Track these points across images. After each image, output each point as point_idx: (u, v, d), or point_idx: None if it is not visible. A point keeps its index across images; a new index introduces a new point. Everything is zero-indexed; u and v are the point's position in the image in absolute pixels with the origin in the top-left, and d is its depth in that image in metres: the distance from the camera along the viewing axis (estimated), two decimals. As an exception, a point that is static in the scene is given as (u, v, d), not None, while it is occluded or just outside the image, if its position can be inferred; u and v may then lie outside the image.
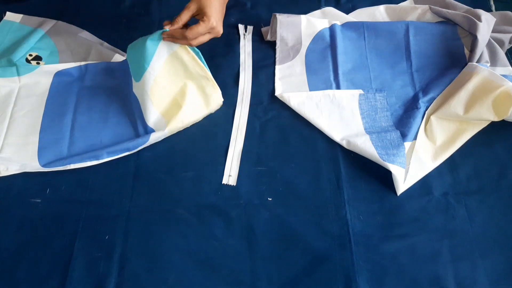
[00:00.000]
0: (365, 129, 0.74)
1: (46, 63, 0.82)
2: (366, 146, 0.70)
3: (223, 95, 0.79)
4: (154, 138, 0.72)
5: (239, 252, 0.63)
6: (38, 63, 0.81)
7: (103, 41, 0.87)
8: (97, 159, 0.70)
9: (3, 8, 0.92)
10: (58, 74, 0.81)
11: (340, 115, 0.76)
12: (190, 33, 0.67)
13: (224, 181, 0.70)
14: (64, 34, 0.86)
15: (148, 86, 0.72)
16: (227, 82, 0.81)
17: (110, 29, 0.89)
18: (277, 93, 0.79)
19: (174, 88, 0.74)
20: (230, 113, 0.77)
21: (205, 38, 0.71)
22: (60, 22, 0.89)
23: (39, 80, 0.80)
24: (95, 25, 0.89)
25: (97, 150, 0.71)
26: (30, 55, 0.82)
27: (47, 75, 0.81)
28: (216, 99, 0.76)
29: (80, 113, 0.76)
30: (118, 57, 0.84)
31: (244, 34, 0.89)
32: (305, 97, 0.78)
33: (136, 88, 0.76)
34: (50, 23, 0.88)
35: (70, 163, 0.69)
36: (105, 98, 0.78)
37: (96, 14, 0.93)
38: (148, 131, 0.73)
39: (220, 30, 0.71)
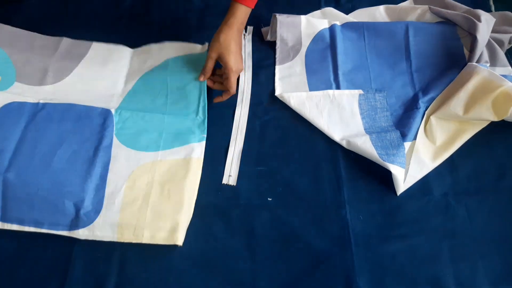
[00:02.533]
0: (365, 129, 0.74)
1: (2, 78, 0.75)
2: (366, 146, 0.70)
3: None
4: (83, 234, 0.62)
5: (239, 252, 0.63)
6: None
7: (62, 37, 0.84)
8: (36, 226, 0.62)
9: (3, 9, 0.92)
10: (6, 107, 0.71)
11: (340, 115, 0.76)
12: (233, 91, 0.76)
13: (224, 181, 0.69)
14: (16, 42, 0.80)
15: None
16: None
17: (110, 29, 0.89)
18: (277, 93, 0.79)
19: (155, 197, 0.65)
20: (230, 113, 0.77)
21: (233, 79, 0.75)
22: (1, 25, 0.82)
23: None
24: (95, 25, 0.89)
25: (36, 216, 0.62)
26: None
27: None
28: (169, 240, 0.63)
29: (20, 152, 0.67)
30: (96, 46, 0.83)
31: (244, 34, 0.89)
32: (305, 97, 0.78)
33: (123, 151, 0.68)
34: None
35: (7, 222, 0.63)
36: (54, 140, 0.69)
37: (96, 14, 0.93)
38: (84, 213, 0.63)
39: (239, 67, 0.76)
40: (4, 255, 0.62)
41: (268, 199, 0.68)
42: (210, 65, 0.76)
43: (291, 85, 0.81)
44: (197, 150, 0.71)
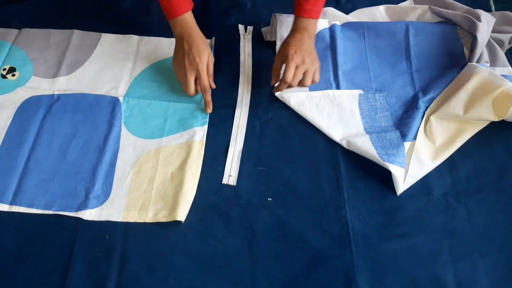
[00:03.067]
0: (365, 129, 0.74)
1: (20, 73, 0.81)
2: (366, 146, 0.70)
3: (224, 96, 0.79)
4: (90, 215, 0.65)
5: (239, 252, 0.63)
6: (13, 75, 0.81)
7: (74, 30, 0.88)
8: (45, 209, 0.66)
9: (2, 9, 0.93)
10: (26, 102, 0.78)
11: (340, 115, 0.76)
12: (285, 78, 0.73)
13: (224, 181, 0.69)
14: (34, 42, 0.86)
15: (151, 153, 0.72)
16: (227, 82, 0.81)
17: (110, 29, 0.89)
18: (277, 94, 0.79)
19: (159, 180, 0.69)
20: (230, 113, 0.77)
21: (299, 72, 0.73)
22: (25, 29, 0.88)
23: (6, 104, 0.77)
24: (95, 25, 0.89)
25: (47, 200, 0.67)
26: (4, 69, 0.81)
27: (16, 99, 0.78)
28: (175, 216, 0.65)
29: (39, 143, 0.72)
30: (105, 37, 0.86)
31: (244, 35, 0.89)
32: (305, 97, 0.78)
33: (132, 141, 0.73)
34: (13, 32, 0.87)
35: (16, 204, 0.66)
36: (69, 130, 0.74)
37: (96, 14, 0.93)
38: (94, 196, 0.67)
39: (299, 58, 0.73)
40: (4, 254, 0.62)
41: (268, 199, 0.68)
42: (276, 65, 0.76)
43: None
44: (199, 133, 0.74)
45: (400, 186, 0.67)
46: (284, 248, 0.63)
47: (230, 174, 0.70)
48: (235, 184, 0.69)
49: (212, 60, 0.77)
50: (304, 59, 0.73)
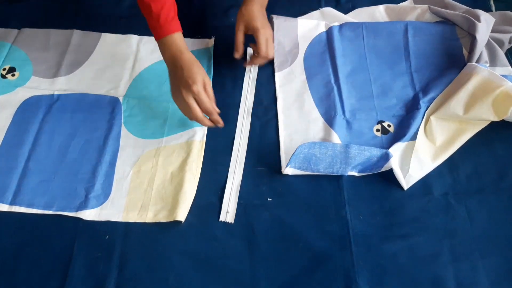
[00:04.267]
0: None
1: (20, 73, 0.81)
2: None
3: (224, 97, 0.78)
4: (90, 215, 0.65)
5: (239, 252, 0.63)
6: (13, 75, 0.81)
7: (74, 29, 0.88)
8: (44, 209, 0.66)
9: (3, 8, 0.93)
10: (26, 102, 0.78)
11: None
12: (262, 53, 0.78)
13: (222, 218, 0.66)
14: (34, 42, 0.86)
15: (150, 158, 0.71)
16: (227, 82, 0.81)
17: (110, 29, 0.89)
18: (279, 103, 0.78)
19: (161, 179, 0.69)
20: (230, 114, 0.77)
21: (270, 43, 0.79)
22: (25, 29, 0.88)
23: (5, 104, 0.77)
24: (95, 25, 0.89)
25: (47, 200, 0.67)
26: (4, 69, 0.82)
27: (16, 99, 0.78)
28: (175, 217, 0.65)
29: (39, 143, 0.73)
30: (105, 37, 0.86)
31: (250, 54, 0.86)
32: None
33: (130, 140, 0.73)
34: (13, 32, 0.87)
35: (16, 204, 0.66)
36: (68, 131, 0.74)
37: (96, 14, 0.93)
38: (94, 196, 0.67)
39: (267, 29, 0.79)
40: (4, 254, 0.62)
41: (268, 199, 0.68)
42: (240, 38, 0.78)
43: (292, 91, 0.80)
44: (199, 133, 0.74)
45: (399, 175, 0.67)
46: (284, 248, 0.63)
47: (228, 211, 0.66)
48: (232, 221, 0.66)
49: (208, 82, 0.69)
50: (268, 29, 0.78)
